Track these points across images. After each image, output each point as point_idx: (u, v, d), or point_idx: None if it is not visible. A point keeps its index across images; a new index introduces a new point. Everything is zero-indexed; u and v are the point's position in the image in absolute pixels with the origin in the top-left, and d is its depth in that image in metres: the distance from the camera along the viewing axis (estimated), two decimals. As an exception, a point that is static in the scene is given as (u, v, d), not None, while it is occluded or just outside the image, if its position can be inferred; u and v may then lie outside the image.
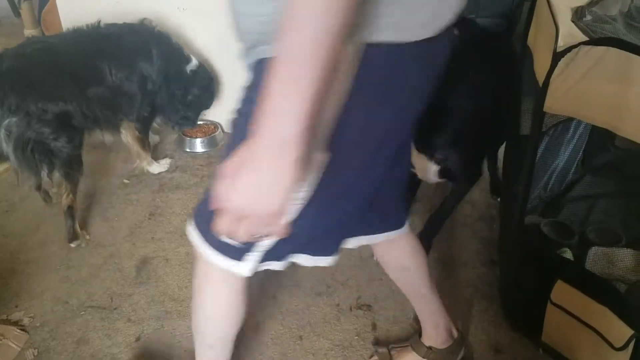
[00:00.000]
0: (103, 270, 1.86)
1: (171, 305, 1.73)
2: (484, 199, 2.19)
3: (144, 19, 2.20)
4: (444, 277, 1.83)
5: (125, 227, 2.06)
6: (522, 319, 1.63)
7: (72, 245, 1.94)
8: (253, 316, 1.69)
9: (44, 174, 1.87)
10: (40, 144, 1.79)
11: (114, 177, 2.36)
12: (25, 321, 1.67)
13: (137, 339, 1.62)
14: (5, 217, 2.11)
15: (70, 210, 1.94)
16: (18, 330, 1.62)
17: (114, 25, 2.10)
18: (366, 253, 1.92)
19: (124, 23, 2.13)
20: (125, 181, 2.33)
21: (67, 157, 1.86)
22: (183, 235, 1.97)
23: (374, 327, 1.65)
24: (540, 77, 1.32)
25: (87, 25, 2.06)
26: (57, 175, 1.89)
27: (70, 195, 1.92)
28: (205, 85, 2.38)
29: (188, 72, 2.27)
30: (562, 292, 1.40)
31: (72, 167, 1.91)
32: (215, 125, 2.64)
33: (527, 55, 1.65)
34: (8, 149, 1.77)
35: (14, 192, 2.24)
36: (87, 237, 2.00)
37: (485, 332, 1.64)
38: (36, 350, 1.58)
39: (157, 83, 2.16)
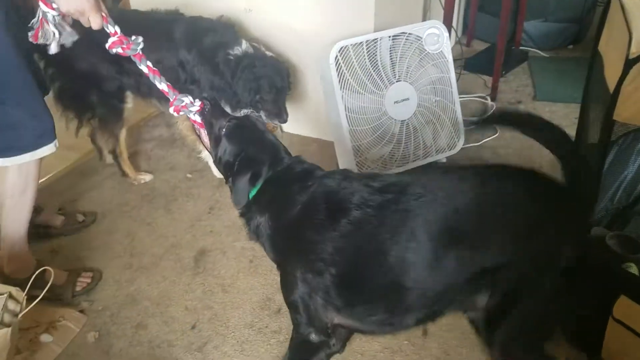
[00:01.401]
0: (164, 260, 1.94)
1: (225, 296, 1.79)
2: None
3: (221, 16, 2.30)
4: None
5: (186, 220, 2.14)
6: (581, 334, 1.56)
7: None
8: (304, 313, 1.71)
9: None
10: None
11: (178, 171, 2.45)
12: (84, 305, 1.77)
13: (193, 327, 1.68)
14: (73, 205, 2.24)
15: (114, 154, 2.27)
16: (77, 313, 1.72)
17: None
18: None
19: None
20: (189, 175, 2.41)
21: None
22: (240, 230, 2.03)
23: (425, 333, 1.63)
24: (611, 84, 1.27)
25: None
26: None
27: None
28: (246, 66, 2.11)
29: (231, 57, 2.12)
30: (625, 307, 1.34)
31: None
32: (275, 125, 2.68)
33: (597, 61, 1.59)
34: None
35: (82, 182, 2.38)
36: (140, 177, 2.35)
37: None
38: (97, 332, 1.67)
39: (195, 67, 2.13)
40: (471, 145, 2.49)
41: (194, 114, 1.44)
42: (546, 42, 3.47)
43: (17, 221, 1.67)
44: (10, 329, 1.24)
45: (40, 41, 1.33)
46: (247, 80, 2.07)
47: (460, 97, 2.35)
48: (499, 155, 2.45)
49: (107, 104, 2.17)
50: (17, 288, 1.36)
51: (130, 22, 1.81)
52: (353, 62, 2.08)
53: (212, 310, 1.74)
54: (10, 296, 1.34)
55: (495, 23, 2.86)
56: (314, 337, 1.30)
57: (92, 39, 1.39)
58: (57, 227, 2.04)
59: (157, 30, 2.07)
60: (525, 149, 2.49)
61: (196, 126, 1.47)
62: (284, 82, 2.16)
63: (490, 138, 2.56)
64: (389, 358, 1.56)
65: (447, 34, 2.23)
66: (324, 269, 1.20)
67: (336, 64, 2.05)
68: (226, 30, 2.18)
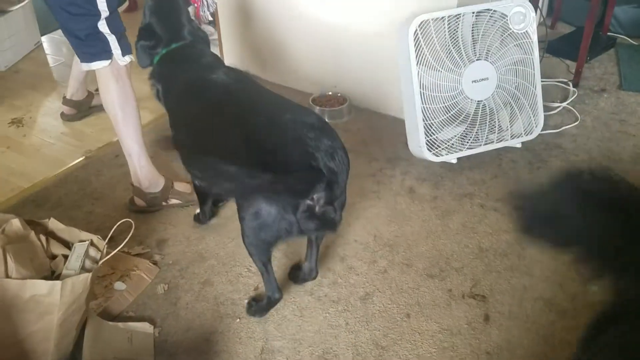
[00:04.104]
0: (231, 221, 1.99)
1: (287, 262, 1.82)
2: None
3: None
4: (570, 278, 1.73)
5: (253, 185, 2.19)
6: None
7: None
8: (362, 287, 1.72)
9: None
10: None
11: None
12: (157, 257, 1.85)
13: (255, 289, 1.73)
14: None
15: None
16: (150, 264, 1.80)
17: None
18: (486, 244, 1.86)
19: None
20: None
21: None
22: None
23: (487, 318, 1.61)
24: None
25: None
26: None
27: None
28: None
29: None
30: None
31: None
32: (345, 98, 2.67)
33: None
34: None
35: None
36: None
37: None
38: (167, 285, 1.75)
39: None
40: (549, 131, 2.39)
41: None
42: (637, 29, 3.24)
43: (133, 133, 1.90)
44: (90, 274, 1.32)
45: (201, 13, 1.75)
46: None
47: (541, 81, 2.25)
48: (577, 145, 2.34)
49: None
50: (99, 236, 1.44)
51: None
52: (433, 37, 2.02)
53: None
54: (92, 243, 1.42)
55: (583, 6, 2.70)
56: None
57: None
58: None
59: None
60: (605, 140, 2.37)
61: None
62: None
63: (571, 125, 2.45)
64: (447, 339, 1.55)
65: (534, 14, 2.13)
66: (186, 127, 1.66)
67: (415, 39, 2.00)
68: None
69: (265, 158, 1.36)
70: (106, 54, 1.77)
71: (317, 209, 1.41)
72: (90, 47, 1.76)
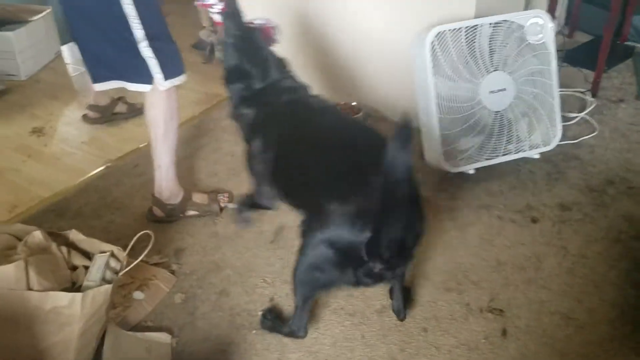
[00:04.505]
0: (247, 232, 2.00)
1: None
2: (644, 217, 1.99)
3: None
4: (588, 292, 1.71)
5: (269, 195, 2.20)
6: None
7: None
8: (378, 299, 1.72)
9: None
10: None
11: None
12: (174, 267, 1.87)
13: (271, 300, 1.74)
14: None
15: None
16: (168, 273, 1.82)
17: None
18: (504, 257, 1.85)
19: None
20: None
21: None
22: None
23: (504, 333, 1.60)
24: None
25: None
26: None
27: None
28: None
29: None
30: None
31: None
32: (360, 107, 2.66)
33: None
34: None
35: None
36: None
37: (626, 358, 1.51)
38: (184, 295, 1.76)
39: None
40: (567, 142, 2.37)
41: (215, 13, 1.73)
42: (656, 38, 3.20)
43: (169, 147, 1.92)
44: (111, 286, 1.34)
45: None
46: None
47: (559, 91, 2.24)
48: (595, 156, 2.32)
49: None
50: (119, 247, 1.46)
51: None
52: (450, 48, 2.02)
53: (289, 286, 1.77)
54: (113, 254, 1.44)
55: (601, 15, 2.67)
56: (262, 199, 1.76)
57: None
58: None
59: None
60: (624, 151, 2.35)
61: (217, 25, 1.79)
62: None
63: (589, 136, 2.42)
64: (465, 355, 1.54)
65: (552, 25, 2.11)
66: (269, 155, 1.61)
67: (432, 49, 2.00)
68: None
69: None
70: (147, 77, 1.76)
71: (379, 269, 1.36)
72: (131, 69, 1.76)
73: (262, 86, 1.70)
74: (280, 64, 1.75)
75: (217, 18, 1.71)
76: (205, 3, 1.72)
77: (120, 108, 2.74)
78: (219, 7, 1.72)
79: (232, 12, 1.69)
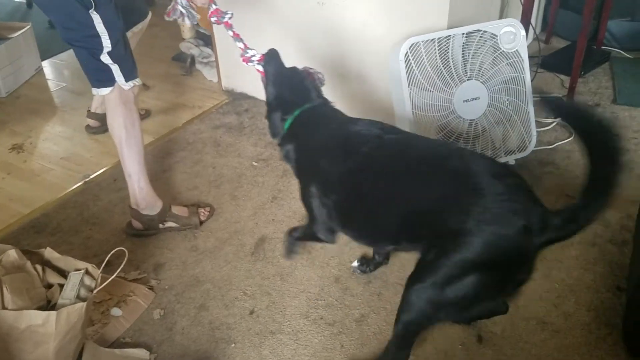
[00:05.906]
0: (227, 245, 2.01)
1: (283, 285, 1.84)
2: (618, 221, 2.02)
3: None
4: (564, 297, 1.73)
5: (250, 207, 2.21)
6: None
7: None
8: (357, 309, 1.73)
9: None
10: None
11: (244, 158, 2.52)
12: (153, 283, 1.87)
13: (251, 312, 1.74)
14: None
15: None
16: (146, 289, 1.82)
17: None
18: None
19: None
20: (254, 164, 2.48)
21: None
22: (300, 220, 2.07)
23: (480, 339, 1.61)
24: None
25: None
26: None
27: None
28: None
29: None
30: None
31: None
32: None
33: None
34: None
35: (155, 165, 2.49)
36: None
37: (601, 360, 1.54)
38: (163, 310, 1.76)
39: None
40: (543, 147, 2.40)
41: (256, 64, 1.80)
42: (631, 42, 3.25)
43: (135, 154, 1.96)
44: (85, 303, 1.34)
45: (172, 18, 1.84)
46: None
47: (535, 96, 2.27)
48: (572, 160, 2.35)
49: None
50: (93, 265, 1.46)
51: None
52: (423, 59, 2.05)
53: (270, 298, 1.79)
54: (87, 272, 1.44)
55: (578, 20, 2.72)
56: (321, 235, 1.63)
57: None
58: None
59: None
60: (601, 154, 2.37)
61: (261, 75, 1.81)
62: None
63: (565, 141, 2.46)
64: (441, 361, 1.56)
65: (524, 33, 2.15)
66: (329, 193, 1.52)
67: (406, 61, 2.03)
68: None
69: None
70: (110, 81, 1.86)
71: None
72: (97, 75, 1.87)
73: (306, 114, 1.67)
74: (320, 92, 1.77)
75: (260, 68, 1.79)
76: (246, 56, 1.81)
77: None
78: (257, 57, 1.80)
79: (271, 57, 1.77)
